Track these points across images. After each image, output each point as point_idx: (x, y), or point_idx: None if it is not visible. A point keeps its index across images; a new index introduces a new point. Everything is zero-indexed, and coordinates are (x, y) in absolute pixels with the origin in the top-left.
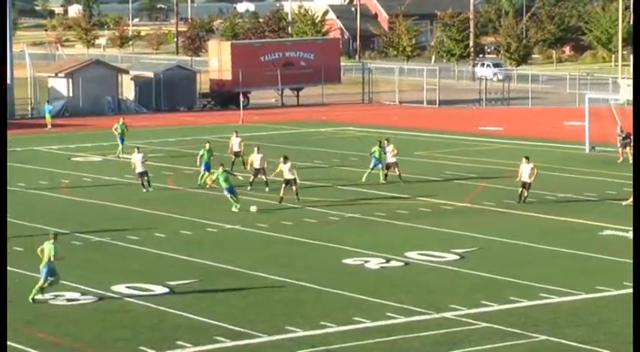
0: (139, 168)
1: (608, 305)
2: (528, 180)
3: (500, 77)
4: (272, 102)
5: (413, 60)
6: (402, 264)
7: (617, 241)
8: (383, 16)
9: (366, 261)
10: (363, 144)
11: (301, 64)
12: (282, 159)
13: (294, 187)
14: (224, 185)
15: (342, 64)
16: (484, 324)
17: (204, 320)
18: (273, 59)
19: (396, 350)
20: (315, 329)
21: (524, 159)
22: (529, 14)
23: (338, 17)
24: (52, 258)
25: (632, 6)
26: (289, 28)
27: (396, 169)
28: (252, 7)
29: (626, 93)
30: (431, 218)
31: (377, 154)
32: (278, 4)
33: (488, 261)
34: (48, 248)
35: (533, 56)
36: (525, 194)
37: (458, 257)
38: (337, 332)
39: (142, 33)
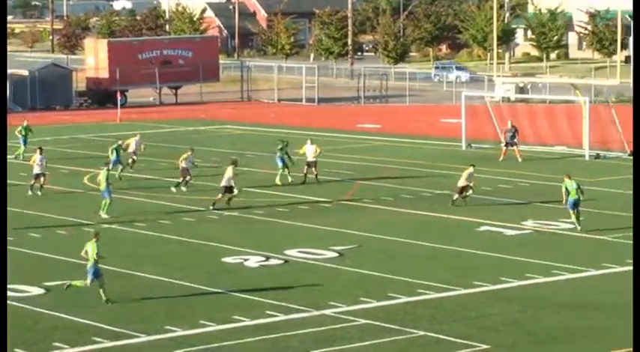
0: (36, 170)
1: (486, 300)
2: (467, 184)
3: (464, 80)
4: (150, 101)
5: (292, 58)
6: (282, 261)
7: (493, 237)
8: (261, 14)
9: (245, 260)
10: (244, 143)
11: (179, 62)
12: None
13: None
14: (103, 186)
15: (220, 62)
16: (363, 321)
17: (82, 320)
18: (150, 57)
19: (276, 348)
20: (195, 329)
21: (471, 167)
22: (406, 13)
23: (216, 15)
24: (96, 258)
25: (632, 6)
26: (167, 26)
27: (314, 169)
28: (128, 4)
29: (501, 90)
30: (310, 216)
31: (280, 154)
32: (155, 2)
33: (367, 257)
34: (91, 248)
35: (411, 54)
36: (466, 194)
37: (337, 254)
38: (217, 331)
39: (17, 30)
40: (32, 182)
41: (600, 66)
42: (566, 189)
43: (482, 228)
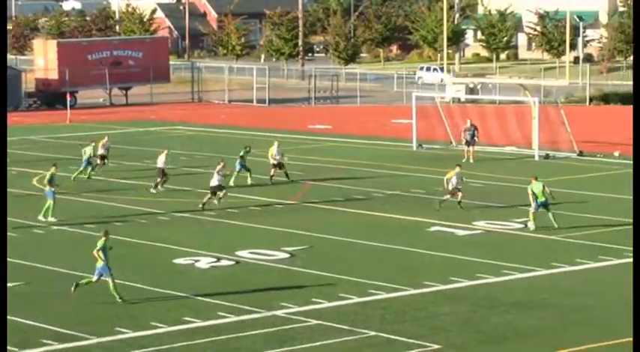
0: None
1: (435, 300)
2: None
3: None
4: (100, 102)
5: (242, 59)
6: (233, 262)
7: (444, 237)
8: (212, 15)
9: (196, 261)
10: (195, 144)
11: (129, 63)
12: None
13: (220, 193)
14: (48, 188)
15: (171, 62)
16: (315, 321)
17: (31, 323)
18: (100, 58)
19: (227, 349)
20: (145, 330)
21: (457, 167)
22: (357, 13)
23: (166, 16)
24: (97, 254)
25: (632, 6)
26: (117, 27)
27: (277, 170)
28: (78, 5)
29: (452, 91)
30: (261, 216)
31: (241, 160)
32: (105, 2)
33: (318, 258)
34: (98, 245)
35: (362, 55)
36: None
37: (288, 255)
38: (168, 333)
39: None
40: None
41: (549, 66)
42: (533, 191)
43: (433, 229)
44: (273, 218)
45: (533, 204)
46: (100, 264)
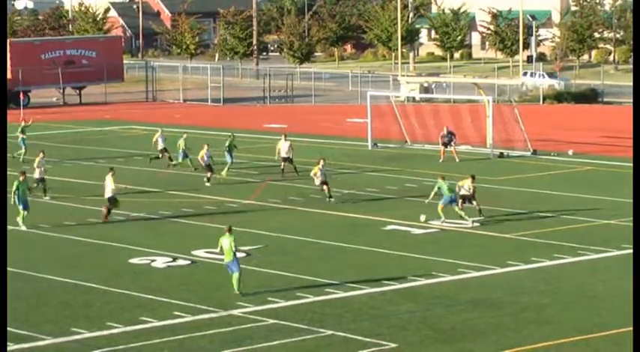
0: None
1: (392, 298)
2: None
3: (557, 88)
4: (54, 101)
5: (197, 58)
6: (189, 262)
7: (400, 236)
8: (165, 14)
9: (152, 260)
10: (150, 143)
11: (83, 63)
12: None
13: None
14: (21, 197)
15: (125, 62)
16: (271, 321)
17: None
18: (53, 57)
19: (183, 349)
20: (101, 330)
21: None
22: (311, 12)
23: (120, 15)
24: (235, 249)
25: (632, 6)
26: (70, 26)
27: (286, 164)
28: (30, 4)
29: (406, 90)
30: (217, 216)
31: (229, 149)
32: (58, 1)
33: (275, 257)
34: (228, 241)
35: (316, 54)
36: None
37: (244, 254)
38: (124, 333)
39: None
40: None
41: (503, 66)
42: (439, 188)
43: (389, 227)
44: (229, 217)
45: (440, 201)
46: (228, 259)
